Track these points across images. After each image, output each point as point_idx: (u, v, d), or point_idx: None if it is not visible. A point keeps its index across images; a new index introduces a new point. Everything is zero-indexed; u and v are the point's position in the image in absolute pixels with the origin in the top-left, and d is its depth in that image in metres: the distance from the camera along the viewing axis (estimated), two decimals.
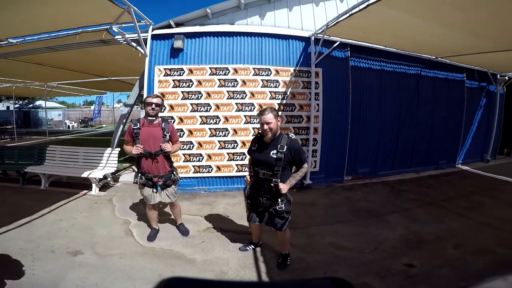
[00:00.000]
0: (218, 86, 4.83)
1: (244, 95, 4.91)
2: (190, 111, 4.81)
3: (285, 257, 2.70)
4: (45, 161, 5.34)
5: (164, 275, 2.48)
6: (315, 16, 5.31)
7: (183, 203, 4.32)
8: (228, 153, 4.94)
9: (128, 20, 4.18)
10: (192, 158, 4.88)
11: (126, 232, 3.39)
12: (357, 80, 5.51)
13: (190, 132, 4.83)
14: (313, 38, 5.04)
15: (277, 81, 5.02)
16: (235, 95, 4.88)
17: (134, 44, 4.63)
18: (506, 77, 7.77)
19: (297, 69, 5.08)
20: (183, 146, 4.76)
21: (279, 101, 5.03)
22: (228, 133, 4.91)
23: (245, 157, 4.97)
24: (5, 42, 4.86)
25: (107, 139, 5.88)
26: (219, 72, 4.83)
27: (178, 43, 4.61)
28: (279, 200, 2.39)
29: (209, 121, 4.86)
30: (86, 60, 6.62)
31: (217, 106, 4.85)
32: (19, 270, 2.45)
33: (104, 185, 5.11)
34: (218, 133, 4.89)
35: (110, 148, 5.16)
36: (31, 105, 23.23)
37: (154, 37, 4.77)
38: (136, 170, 2.99)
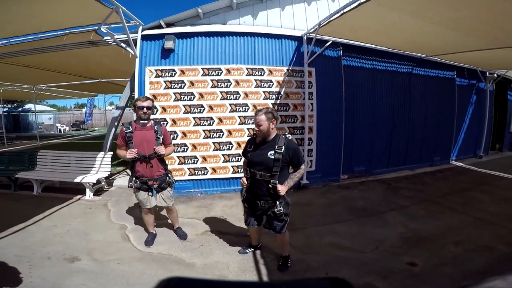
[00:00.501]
0: (211, 87, 4.79)
1: (238, 95, 4.88)
2: (183, 113, 4.76)
3: (285, 259, 2.68)
4: (36, 166, 5.23)
5: None
6: (307, 16, 5.32)
7: (180, 206, 4.27)
8: (223, 155, 4.91)
9: (117, 20, 4.10)
10: (187, 161, 4.83)
11: (123, 237, 3.34)
12: (350, 79, 5.53)
13: (184, 134, 4.78)
14: (305, 37, 5.04)
15: (271, 81, 5.00)
16: (228, 95, 4.84)
17: (124, 45, 4.55)
18: (495, 75, 7.93)
19: (290, 68, 5.08)
20: (177, 149, 4.71)
21: (273, 101, 5.02)
22: (222, 135, 4.88)
23: (241, 159, 4.91)
24: None
25: (100, 143, 5.80)
26: (211, 73, 4.78)
27: (169, 44, 4.55)
28: (278, 202, 2.36)
29: (203, 122, 4.81)
30: (75, 62, 6.49)
31: (211, 107, 4.81)
32: (17, 278, 2.40)
33: (98, 190, 5.03)
34: (212, 135, 4.85)
35: (102, 152, 5.07)
36: (20, 109, 22.75)
37: (144, 37, 4.70)
38: (130, 173, 2.95)
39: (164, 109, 4.71)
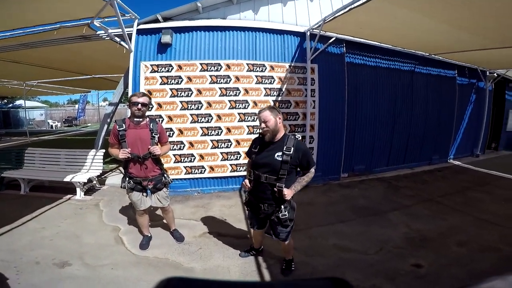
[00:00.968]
0: (209, 83, 4.62)
1: (238, 91, 4.71)
2: (180, 109, 4.58)
3: (289, 263, 2.56)
4: (24, 165, 4.98)
5: None
6: (309, 12, 5.17)
7: (176, 206, 4.11)
8: (221, 153, 4.75)
9: (111, 14, 3.88)
10: (184, 159, 4.66)
11: (116, 239, 3.15)
12: (352, 76, 5.43)
13: (180, 131, 4.60)
14: (308, 33, 4.92)
15: (272, 77, 4.85)
16: (228, 92, 4.68)
17: (118, 39, 4.35)
18: (495, 74, 7.90)
19: (292, 65, 4.94)
20: (173, 146, 4.53)
21: (274, 98, 4.88)
22: (221, 132, 4.71)
23: (240, 157, 4.79)
24: None
25: (92, 139, 5.57)
26: (210, 68, 4.61)
27: (166, 38, 4.36)
28: (282, 207, 2.20)
29: (201, 119, 4.64)
30: (66, 57, 6.23)
31: (209, 104, 4.64)
32: (4, 284, 2.24)
33: (90, 189, 4.81)
34: (211, 132, 4.68)
35: (94, 150, 4.86)
36: (10, 105, 22.14)
37: (140, 32, 4.51)
38: (123, 172, 2.77)
39: (159, 105, 4.52)
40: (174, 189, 4.56)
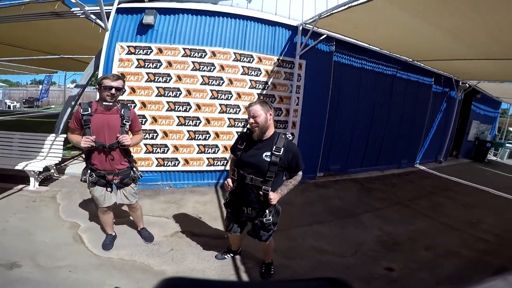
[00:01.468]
0: (191, 70, 4.30)
1: (221, 81, 4.45)
2: (156, 96, 4.21)
3: (268, 266, 2.45)
4: None
5: None
6: (303, 6, 5.00)
7: (145, 201, 3.80)
8: (198, 145, 4.47)
9: None
10: (156, 149, 4.32)
11: (74, 238, 2.79)
12: (338, 76, 5.43)
13: (154, 119, 4.25)
14: (301, 27, 4.78)
15: (259, 70, 4.65)
16: (210, 80, 4.39)
17: (94, 17, 3.90)
18: (467, 84, 8.37)
19: (281, 58, 4.78)
20: (145, 135, 4.15)
21: (259, 91, 4.69)
22: (199, 123, 4.43)
23: (218, 150, 4.56)
24: None
25: (54, 122, 4.95)
26: (194, 54, 4.29)
27: (148, 19, 3.97)
28: (267, 211, 2.04)
29: (178, 108, 4.32)
30: (33, 35, 5.56)
31: (189, 92, 4.32)
32: None
33: (46, 178, 4.25)
34: (188, 122, 4.38)
35: (53, 134, 4.32)
36: None
37: (120, 10, 4.07)
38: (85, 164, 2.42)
39: (133, 90, 4.12)
40: (144, 182, 4.23)
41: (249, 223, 2.21)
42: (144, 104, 4.18)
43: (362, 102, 6.03)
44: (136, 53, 4.10)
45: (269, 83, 4.75)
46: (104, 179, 2.35)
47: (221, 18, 4.40)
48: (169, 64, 4.20)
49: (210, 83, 4.39)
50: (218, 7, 4.40)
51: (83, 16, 3.96)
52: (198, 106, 4.39)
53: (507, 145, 12.21)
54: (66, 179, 4.43)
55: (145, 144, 4.24)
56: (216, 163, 4.59)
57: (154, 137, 4.28)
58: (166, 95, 4.24)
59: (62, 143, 4.29)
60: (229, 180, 2.09)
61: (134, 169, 2.53)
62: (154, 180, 4.39)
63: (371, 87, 6.09)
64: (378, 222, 3.83)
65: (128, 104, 4.06)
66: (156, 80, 4.19)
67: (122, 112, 2.35)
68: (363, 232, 3.49)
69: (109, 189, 2.41)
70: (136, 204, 2.69)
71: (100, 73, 4.07)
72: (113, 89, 2.20)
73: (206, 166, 4.56)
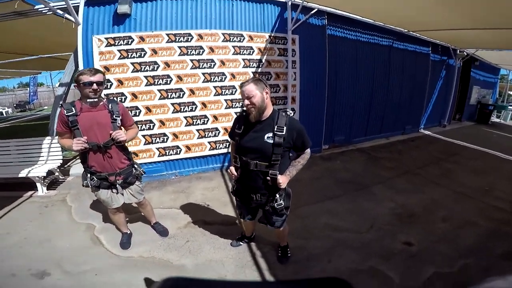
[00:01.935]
0: (179, 55, 4.09)
1: (213, 63, 4.26)
2: (146, 85, 4.04)
3: (284, 249, 2.45)
4: None
5: None
6: None
7: (153, 193, 3.79)
8: (197, 130, 4.35)
9: None
10: (155, 139, 4.20)
11: (92, 240, 2.78)
12: (333, 48, 5.28)
13: (148, 109, 4.10)
14: (290, 3, 4.56)
15: (251, 48, 4.45)
16: (201, 64, 4.20)
17: (61, 12, 3.62)
18: (465, 53, 8.36)
19: (272, 35, 4.57)
20: (141, 126, 4.07)
21: (254, 69, 4.52)
22: (195, 108, 4.28)
23: (219, 133, 4.46)
24: None
25: (48, 123, 4.77)
26: (179, 39, 4.06)
27: (123, 8, 3.70)
28: (277, 195, 1.93)
29: (171, 95, 4.15)
30: (3, 38, 5.22)
31: (179, 78, 4.13)
32: None
33: (53, 182, 4.20)
34: (184, 108, 4.24)
35: (49, 137, 4.18)
36: None
37: (91, 3, 3.78)
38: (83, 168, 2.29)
39: (120, 82, 3.93)
40: (149, 174, 4.18)
41: (260, 209, 2.13)
42: (135, 95, 4.01)
43: (360, 72, 5.94)
44: (117, 44, 3.86)
45: (263, 60, 4.58)
46: (107, 181, 2.23)
47: None
48: (154, 51, 3.98)
49: (201, 67, 4.20)
50: None
51: (51, 12, 3.68)
52: (192, 91, 4.21)
53: (509, 107, 12.37)
54: (72, 180, 4.36)
55: (143, 135, 4.13)
56: (219, 146, 4.51)
57: (152, 127, 4.15)
58: (156, 83, 4.06)
59: (59, 144, 4.14)
60: (232, 169, 1.97)
61: (136, 165, 2.42)
62: (159, 171, 4.33)
63: (368, 58, 5.99)
64: (389, 194, 3.80)
65: (117, 98, 3.95)
66: (143, 70, 3.99)
67: (110, 107, 2.18)
68: (376, 205, 3.45)
69: (114, 190, 2.31)
70: (144, 201, 2.63)
71: (81, 68, 3.84)
72: (94, 84, 2.02)
73: (209, 150, 4.49)
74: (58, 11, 3.61)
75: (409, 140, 6.98)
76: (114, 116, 2.17)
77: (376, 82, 6.28)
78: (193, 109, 4.28)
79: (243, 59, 4.41)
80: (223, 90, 4.36)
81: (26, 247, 2.63)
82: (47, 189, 3.94)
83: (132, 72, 3.95)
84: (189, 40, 4.09)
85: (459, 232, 2.89)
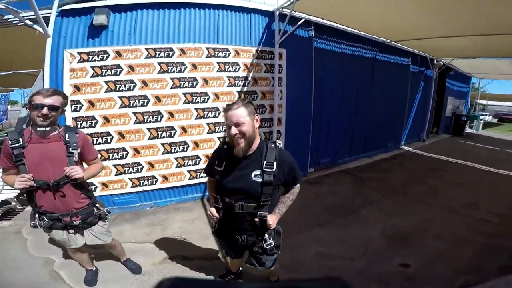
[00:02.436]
0: (158, 72, 3.96)
1: (195, 82, 4.15)
2: (120, 107, 3.84)
3: None
4: None
5: None
6: None
7: (124, 226, 3.53)
8: (176, 158, 4.19)
9: None
10: (128, 169, 3.97)
11: (52, 275, 2.55)
12: (320, 62, 5.30)
13: (121, 135, 3.89)
14: (277, 13, 4.52)
15: (237, 64, 4.38)
16: (182, 82, 4.08)
17: (30, 23, 3.46)
18: (441, 62, 8.89)
19: (259, 49, 4.52)
20: (112, 155, 3.84)
21: (239, 89, 4.43)
22: (174, 133, 4.13)
23: (200, 161, 4.31)
24: None
25: None
26: (159, 54, 3.95)
27: (100, 19, 3.57)
28: (266, 235, 1.77)
29: (147, 118, 3.98)
30: None
31: (158, 99, 4.00)
32: None
33: (7, 212, 3.87)
34: (161, 134, 4.07)
35: None
36: None
37: (65, 13, 3.63)
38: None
39: (91, 103, 3.73)
40: (120, 206, 3.95)
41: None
42: (107, 119, 3.81)
43: (346, 88, 6.01)
44: (90, 60, 3.69)
45: (249, 78, 4.48)
46: (60, 221, 1.97)
47: (188, 10, 4.05)
48: (131, 68, 3.85)
49: (182, 86, 4.08)
50: None
51: (21, 23, 3.50)
52: (171, 114, 4.09)
53: (480, 116, 13.60)
54: (30, 211, 3.98)
55: (115, 165, 3.90)
56: (199, 175, 4.33)
57: (125, 156, 3.94)
58: (131, 105, 3.88)
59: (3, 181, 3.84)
60: (213, 210, 1.75)
61: (98, 205, 2.15)
62: (132, 202, 4.07)
63: (353, 73, 6.06)
64: (379, 216, 3.85)
65: (87, 122, 3.72)
66: (118, 89, 3.81)
67: (66, 137, 1.90)
68: (367, 229, 3.49)
69: (71, 230, 2.05)
70: (112, 243, 2.38)
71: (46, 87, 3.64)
72: (45, 108, 1.73)
73: (188, 179, 4.30)
74: (27, 21, 3.43)
75: (392, 158, 7.24)
76: (70, 148, 1.89)
77: (359, 98, 6.36)
78: (172, 135, 4.10)
79: (228, 77, 4.32)
80: (206, 113, 4.24)
81: None
82: (1, 219, 3.65)
83: (105, 92, 3.75)
84: (170, 55, 3.98)
85: (453, 250, 2.99)
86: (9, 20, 3.58)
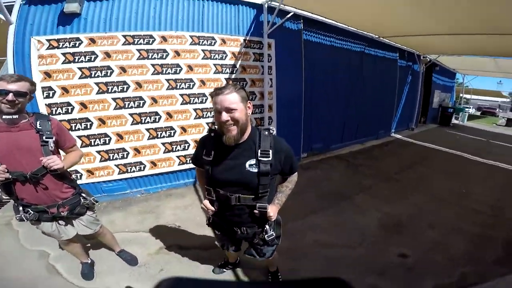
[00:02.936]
0: (137, 59, 3.86)
1: (179, 69, 4.10)
2: (97, 93, 3.73)
3: (275, 274, 2.38)
4: None
5: None
6: None
7: (115, 215, 3.50)
8: (163, 143, 4.15)
9: None
10: (113, 155, 3.91)
11: (48, 269, 2.50)
12: (309, 53, 5.49)
13: (102, 121, 3.80)
14: (266, 5, 4.62)
15: (224, 52, 4.39)
16: (164, 69, 4.01)
17: None
18: (428, 58, 9.78)
19: (247, 39, 4.57)
20: (94, 141, 3.76)
21: (227, 76, 4.44)
22: (159, 118, 4.07)
23: (189, 146, 4.30)
24: None
25: None
26: (138, 41, 3.84)
27: (72, 7, 3.40)
28: (267, 226, 1.73)
29: (129, 104, 3.89)
30: None
31: (139, 84, 3.90)
32: None
33: None
34: (145, 119, 4.00)
35: None
36: None
37: (32, 1, 3.43)
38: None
39: (65, 90, 3.58)
40: (109, 193, 3.92)
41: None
42: (84, 105, 3.68)
43: (336, 77, 6.29)
44: (61, 46, 3.52)
45: (237, 65, 4.53)
46: (46, 213, 1.90)
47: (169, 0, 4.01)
48: (107, 55, 3.71)
49: (164, 72, 4.01)
50: None
51: None
52: (154, 100, 4.00)
53: (465, 109, 15.29)
54: None
55: (98, 151, 3.81)
56: (189, 160, 4.32)
57: (107, 142, 3.85)
58: (110, 91, 3.77)
59: None
60: (207, 203, 1.67)
61: (83, 194, 2.09)
62: (121, 189, 4.03)
63: (343, 64, 6.40)
64: (373, 203, 3.99)
65: (63, 108, 3.59)
66: (93, 75, 3.69)
67: (38, 125, 1.78)
68: (363, 217, 3.59)
69: (61, 221, 2.00)
70: (101, 230, 2.35)
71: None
72: (10, 94, 1.62)
73: (178, 165, 4.30)
74: None
75: (383, 145, 7.56)
76: (44, 137, 1.78)
77: (350, 87, 6.68)
78: (157, 120, 4.04)
79: (215, 64, 4.31)
80: (192, 98, 4.21)
81: None
82: None
83: (80, 78, 3.61)
84: (151, 42, 3.88)
85: (448, 240, 3.09)
86: None
